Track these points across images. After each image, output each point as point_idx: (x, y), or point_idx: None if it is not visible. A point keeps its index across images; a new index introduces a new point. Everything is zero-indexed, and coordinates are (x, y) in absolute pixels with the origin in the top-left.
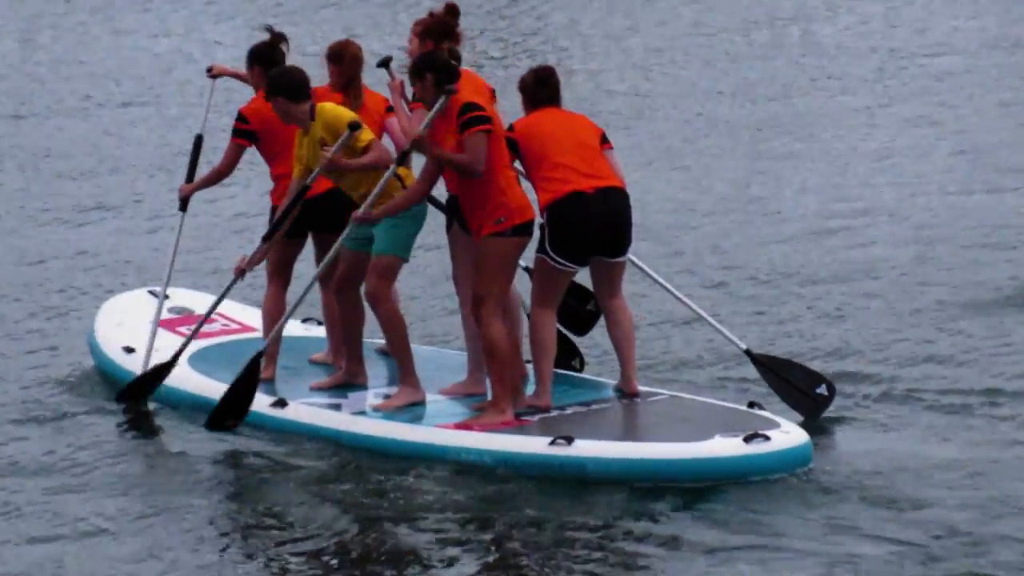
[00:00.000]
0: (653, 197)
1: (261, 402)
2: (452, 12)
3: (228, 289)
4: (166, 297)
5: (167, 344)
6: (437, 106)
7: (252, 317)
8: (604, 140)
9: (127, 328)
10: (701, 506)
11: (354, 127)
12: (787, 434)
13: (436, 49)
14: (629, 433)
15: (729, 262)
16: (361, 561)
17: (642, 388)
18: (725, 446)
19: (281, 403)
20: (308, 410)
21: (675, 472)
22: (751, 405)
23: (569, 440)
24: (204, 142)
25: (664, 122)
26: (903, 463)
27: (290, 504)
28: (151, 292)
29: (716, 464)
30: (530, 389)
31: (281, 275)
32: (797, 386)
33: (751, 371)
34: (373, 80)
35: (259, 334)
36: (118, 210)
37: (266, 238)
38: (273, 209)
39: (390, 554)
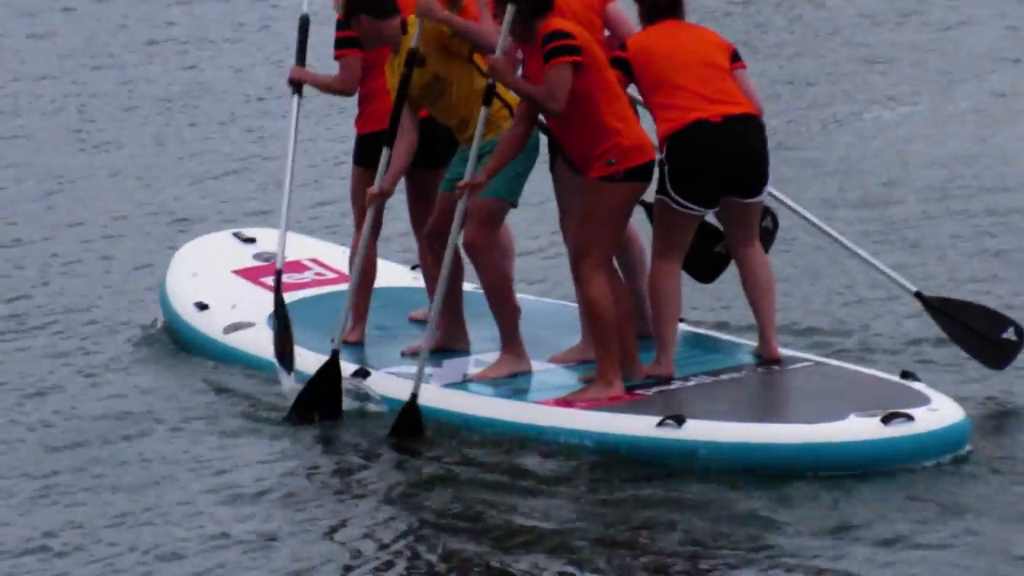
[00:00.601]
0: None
1: (342, 371)
2: None
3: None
4: (251, 240)
5: (250, 299)
6: (505, 22)
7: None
8: (736, 58)
9: (202, 279)
10: (830, 493)
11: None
12: (935, 412)
13: None
14: (752, 411)
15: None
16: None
17: (786, 352)
18: (859, 428)
19: (363, 373)
20: (391, 382)
21: (797, 459)
22: (904, 375)
23: (680, 420)
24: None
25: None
26: None
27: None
28: (236, 235)
29: (846, 449)
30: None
31: (372, 221)
32: (980, 331)
33: (919, 326)
34: None
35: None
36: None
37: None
38: (360, 140)
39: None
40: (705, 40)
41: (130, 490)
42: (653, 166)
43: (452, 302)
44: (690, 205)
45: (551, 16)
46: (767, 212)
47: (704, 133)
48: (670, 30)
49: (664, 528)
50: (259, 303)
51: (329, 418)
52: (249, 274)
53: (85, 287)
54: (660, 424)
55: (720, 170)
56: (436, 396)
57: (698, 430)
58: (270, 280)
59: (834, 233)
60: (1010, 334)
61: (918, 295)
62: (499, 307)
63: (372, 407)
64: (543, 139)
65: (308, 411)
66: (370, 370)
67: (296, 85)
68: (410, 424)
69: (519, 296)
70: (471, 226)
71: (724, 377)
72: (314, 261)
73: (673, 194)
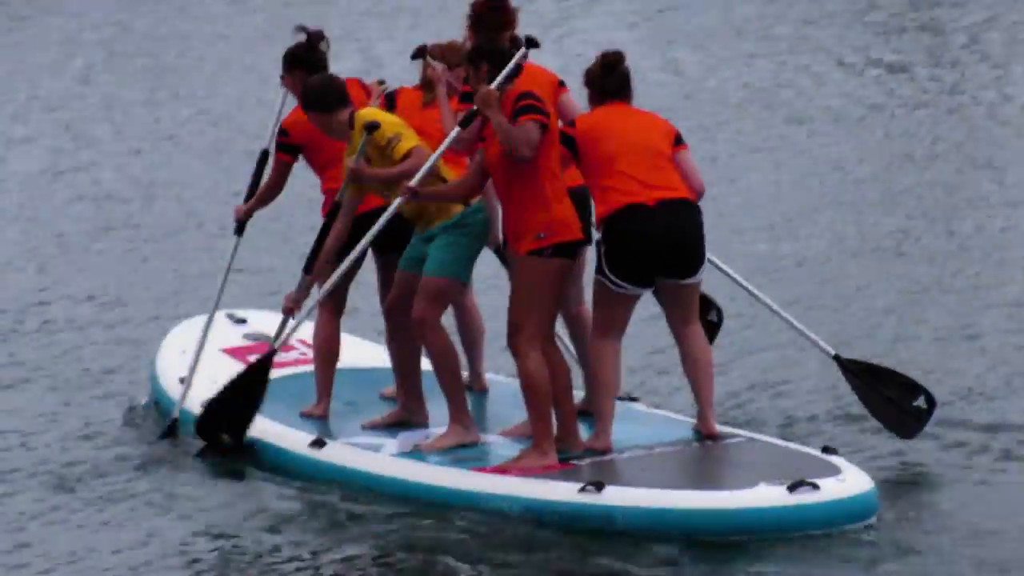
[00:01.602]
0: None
1: (299, 442)
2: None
3: (281, 331)
4: (242, 321)
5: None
6: (509, 66)
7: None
8: (679, 141)
9: (189, 356)
10: (739, 563)
11: (371, 128)
12: (842, 482)
13: (497, 37)
14: (671, 480)
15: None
16: None
17: (723, 428)
18: (766, 495)
19: (319, 443)
20: (344, 451)
21: (706, 523)
22: (824, 450)
23: (599, 487)
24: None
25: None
26: (1004, 523)
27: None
28: (229, 316)
29: (752, 515)
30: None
31: (333, 301)
32: (891, 398)
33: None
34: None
35: (346, 365)
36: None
37: (306, 269)
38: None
39: None
40: (649, 125)
41: None
42: (579, 245)
43: (410, 378)
44: (625, 285)
45: (523, 85)
46: (712, 305)
47: (639, 217)
48: (617, 113)
49: None
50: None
51: (234, 434)
52: (237, 352)
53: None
54: (582, 490)
55: (653, 253)
56: (382, 465)
57: (616, 496)
58: (254, 358)
59: (764, 298)
60: (921, 402)
61: (836, 358)
62: (446, 381)
63: None
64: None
65: (216, 425)
66: (326, 440)
67: (239, 224)
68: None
69: (488, 376)
70: (420, 303)
71: (657, 451)
72: (302, 342)
73: (609, 274)
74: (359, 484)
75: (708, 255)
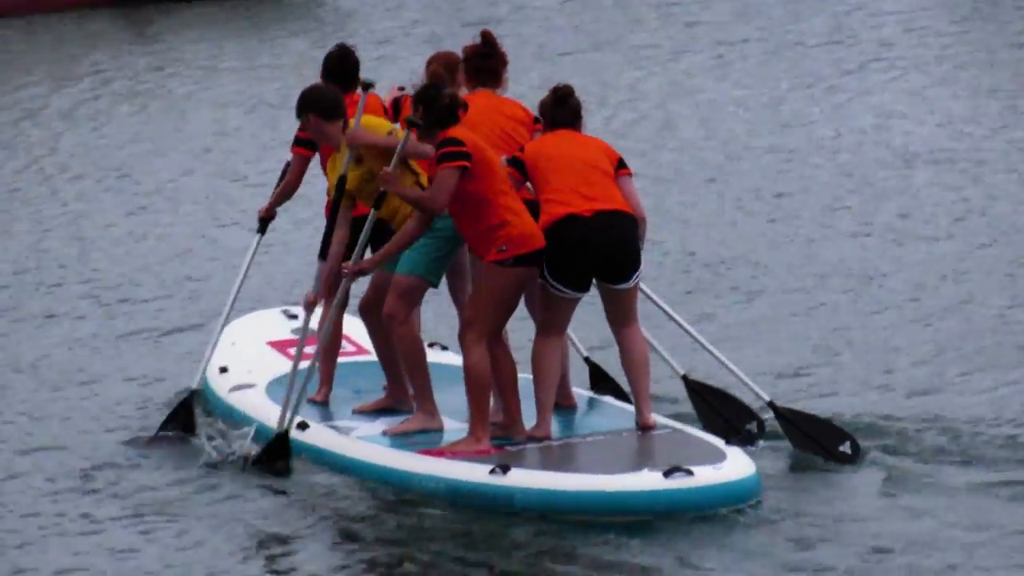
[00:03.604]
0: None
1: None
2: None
3: (307, 326)
4: (295, 317)
5: (268, 366)
6: (401, 141)
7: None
8: (622, 166)
9: (238, 347)
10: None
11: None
12: (719, 470)
13: (440, 85)
14: (575, 465)
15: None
16: None
17: (660, 419)
18: (642, 480)
19: (303, 425)
20: (320, 433)
21: (590, 505)
22: (728, 441)
23: (505, 470)
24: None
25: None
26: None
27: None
28: (284, 311)
29: (628, 499)
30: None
31: (334, 296)
32: (819, 442)
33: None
34: None
35: (362, 356)
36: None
37: (321, 256)
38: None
39: None
40: (593, 147)
41: None
42: (542, 254)
43: (394, 368)
44: (563, 288)
45: (454, 127)
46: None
47: (575, 226)
48: (564, 138)
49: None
50: (274, 370)
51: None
52: (280, 346)
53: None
54: (491, 472)
55: (589, 259)
56: (343, 445)
57: (517, 478)
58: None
59: (699, 337)
60: (846, 448)
61: (770, 404)
62: (413, 372)
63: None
64: None
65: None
66: (309, 423)
67: (262, 223)
68: (274, 457)
69: None
70: (390, 299)
71: (589, 439)
72: (344, 338)
73: (549, 279)
74: (329, 463)
75: (640, 284)
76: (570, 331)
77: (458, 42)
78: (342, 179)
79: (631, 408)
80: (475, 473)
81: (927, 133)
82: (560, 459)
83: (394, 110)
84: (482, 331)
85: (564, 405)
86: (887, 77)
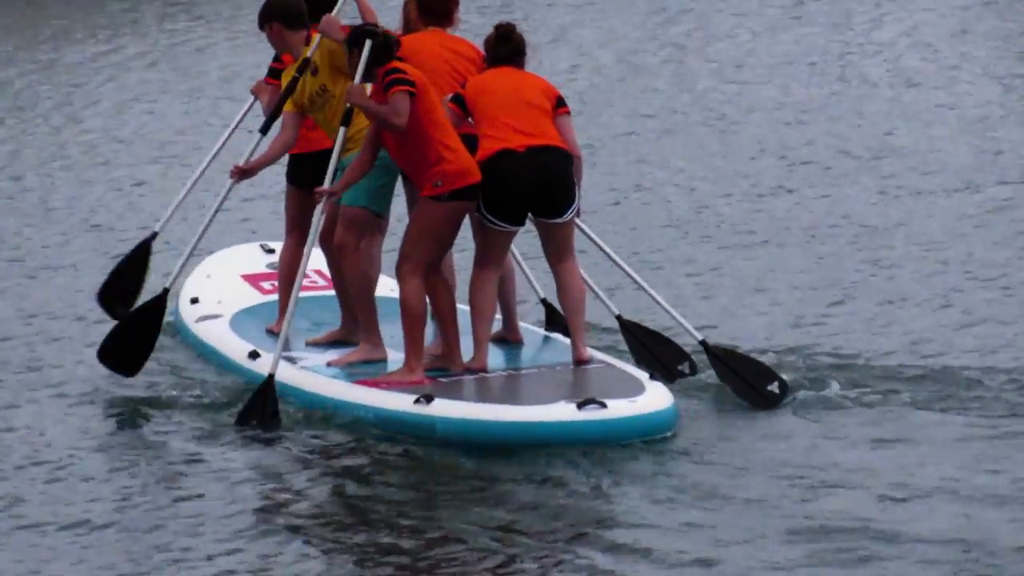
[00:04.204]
0: None
1: (241, 352)
2: None
3: (225, 197)
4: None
5: (237, 297)
6: (363, 58)
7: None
8: (561, 104)
9: (212, 280)
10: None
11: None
12: (633, 403)
13: (373, 25)
14: (501, 397)
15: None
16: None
17: (599, 355)
18: (557, 412)
19: (254, 355)
20: (267, 363)
21: (508, 435)
22: (652, 376)
23: (429, 399)
24: None
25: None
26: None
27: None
28: (262, 246)
29: (542, 429)
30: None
31: (298, 228)
32: (748, 381)
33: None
34: None
35: (325, 290)
36: None
37: (263, 130)
38: (292, 159)
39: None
40: (532, 84)
41: None
42: (477, 188)
43: (344, 299)
44: (498, 222)
45: (393, 63)
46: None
47: (508, 160)
48: (504, 74)
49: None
50: (243, 302)
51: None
52: (253, 279)
53: None
54: (416, 402)
55: (521, 193)
56: (288, 374)
57: (439, 408)
58: (268, 284)
59: (637, 278)
60: (774, 387)
61: (703, 343)
62: (360, 303)
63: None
64: None
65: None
66: (261, 352)
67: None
68: (260, 410)
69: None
70: (339, 231)
71: (524, 372)
72: (317, 272)
73: (484, 212)
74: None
75: (578, 221)
76: (528, 272)
77: None
78: (294, 80)
79: (565, 341)
80: (401, 402)
81: (939, 84)
82: (487, 391)
83: None
84: (417, 264)
85: (511, 340)
86: (899, 30)
